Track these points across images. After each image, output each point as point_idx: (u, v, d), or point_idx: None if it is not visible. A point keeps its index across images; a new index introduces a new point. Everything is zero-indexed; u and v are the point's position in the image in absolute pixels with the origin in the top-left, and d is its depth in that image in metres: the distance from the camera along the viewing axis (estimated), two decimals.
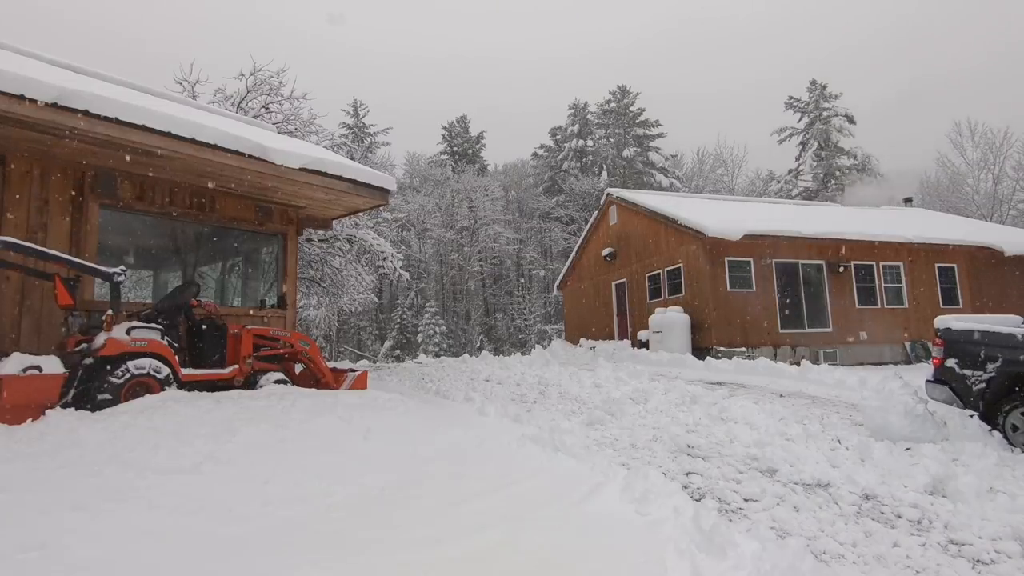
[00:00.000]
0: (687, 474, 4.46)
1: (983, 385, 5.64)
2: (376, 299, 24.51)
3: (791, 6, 76.84)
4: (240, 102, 13.26)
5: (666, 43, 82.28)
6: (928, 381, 6.21)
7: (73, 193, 5.89)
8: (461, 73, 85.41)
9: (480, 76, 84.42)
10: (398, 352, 32.18)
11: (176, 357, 5.18)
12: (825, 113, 40.28)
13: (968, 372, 5.79)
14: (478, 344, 33.74)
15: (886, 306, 15.61)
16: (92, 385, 4.60)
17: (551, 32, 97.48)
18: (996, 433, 5.30)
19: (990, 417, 5.60)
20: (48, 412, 4.07)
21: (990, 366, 5.61)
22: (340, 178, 6.93)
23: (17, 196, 5.52)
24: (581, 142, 42.01)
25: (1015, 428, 5.36)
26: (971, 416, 5.46)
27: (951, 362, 5.99)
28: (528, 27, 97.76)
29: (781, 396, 8.04)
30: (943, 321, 6.27)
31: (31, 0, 58.56)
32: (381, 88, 73.63)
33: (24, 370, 4.26)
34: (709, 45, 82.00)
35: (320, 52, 75.48)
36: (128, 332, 4.91)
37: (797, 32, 76.49)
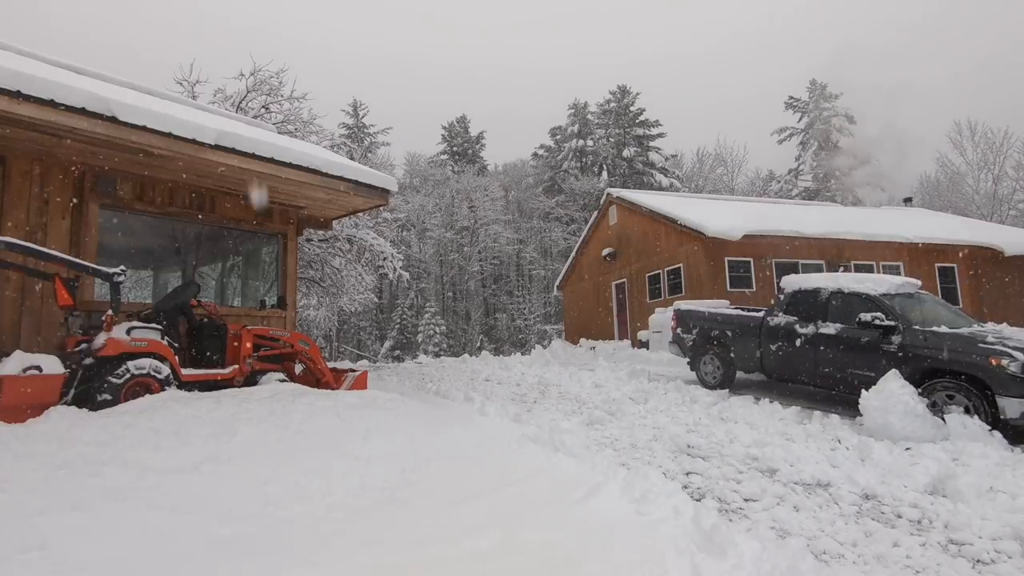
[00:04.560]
0: (687, 474, 4.46)
1: (691, 342, 9.26)
2: (376, 299, 24.51)
3: (793, 14, 76.93)
4: (240, 102, 13.24)
5: (667, 54, 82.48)
6: (669, 342, 9.97)
7: (73, 193, 5.89)
8: (461, 76, 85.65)
9: (480, 79, 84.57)
10: (398, 352, 32.18)
11: (176, 357, 5.18)
12: (825, 113, 40.29)
13: (685, 336, 9.43)
14: (478, 344, 33.73)
15: None
16: (92, 385, 4.60)
17: (552, 41, 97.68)
18: (996, 433, 5.33)
19: (694, 361, 9.22)
20: (48, 412, 4.06)
21: (696, 330, 9.22)
22: (340, 178, 6.92)
23: (17, 196, 5.52)
24: (581, 142, 41.98)
25: (707, 362, 8.99)
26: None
27: (679, 329, 9.57)
28: (529, 35, 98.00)
29: (781, 395, 8.05)
30: (677, 304, 10.12)
31: (31, 2, 58.61)
32: (381, 90, 73.85)
33: (24, 370, 4.26)
34: (709, 56, 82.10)
35: (321, 56, 75.58)
36: (128, 332, 4.91)
37: (799, 40, 76.51)
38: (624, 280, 18.57)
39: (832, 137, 39.71)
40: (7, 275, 5.26)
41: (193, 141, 5.59)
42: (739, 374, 8.78)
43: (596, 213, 21.02)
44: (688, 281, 15.14)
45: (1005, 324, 6.94)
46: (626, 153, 39.71)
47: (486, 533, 2.96)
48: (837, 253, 15.32)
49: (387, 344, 33.18)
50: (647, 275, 17.15)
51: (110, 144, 5.37)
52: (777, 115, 51.93)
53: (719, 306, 9.65)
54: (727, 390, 8.35)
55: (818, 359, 7.32)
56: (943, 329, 6.44)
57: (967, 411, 5.71)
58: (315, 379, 6.48)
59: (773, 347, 7.93)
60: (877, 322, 6.65)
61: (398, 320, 34.41)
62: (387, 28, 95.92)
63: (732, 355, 8.59)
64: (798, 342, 7.58)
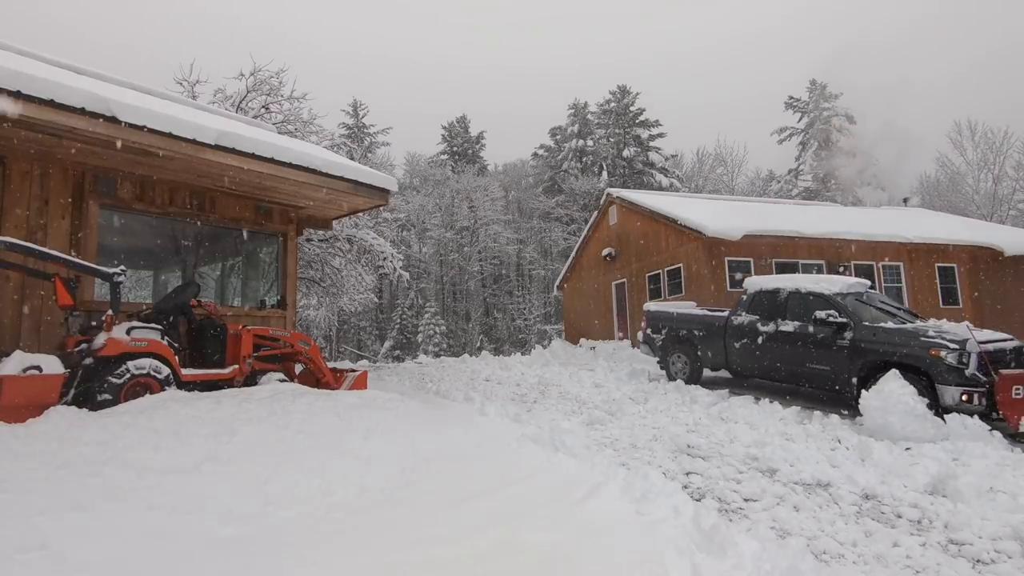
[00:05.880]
0: (687, 474, 4.46)
1: (660, 342, 9.87)
2: (376, 299, 24.48)
3: (793, 14, 76.94)
4: (240, 102, 13.23)
5: (667, 54, 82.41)
6: (640, 342, 10.52)
7: (73, 193, 5.88)
8: (462, 76, 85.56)
9: (480, 79, 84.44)
10: (398, 352, 32.16)
11: (176, 357, 5.18)
12: (825, 113, 40.28)
13: (655, 335, 10.00)
14: (478, 344, 33.72)
15: None
16: (92, 385, 4.60)
17: (552, 41, 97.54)
18: (996, 433, 5.34)
19: (664, 360, 9.83)
20: (48, 412, 4.06)
21: (664, 331, 9.82)
22: (340, 178, 6.92)
23: (17, 196, 5.52)
24: (581, 142, 41.94)
25: (675, 360, 9.60)
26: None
27: (649, 330, 10.17)
28: (530, 35, 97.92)
29: (781, 395, 8.05)
30: (647, 306, 10.77)
31: (31, 2, 58.66)
32: (381, 90, 73.79)
33: (24, 370, 4.26)
34: (709, 56, 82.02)
35: (321, 56, 75.54)
36: (128, 332, 4.91)
37: (799, 40, 76.52)
38: (624, 280, 18.57)
39: (832, 137, 39.68)
40: (7, 275, 5.26)
41: (193, 141, 5.59)
42: (706, 372, 9.38)
43: (596, 213, 21.00)
44: (688, 281, 15.13)
45: (945, 320, 7.49)
46: (626, 153, 39.68)
47: (486, 533, 2.96)
48: (837, 253, 15.31)
49: (387, 344, 33.17)
50: (647, 275, 17.14)
51: (110, 144, 5.36)
52: (777, 115, 51.89)
53: (686, 307, 10.52)
54: (727, 390, 8.37)
55: (778, 355, 7.91)
56: (890, 325, 7.01)
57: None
58: (315, 379, 6.48)
59: (737, 345, 8.51)
60: (831, 319, 7.26)
61: (398, 320, 34.40)
62: (387, 28, 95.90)
63: (699, 353, 9.19)
64: (760, 340, 8.17)
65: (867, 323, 7.07)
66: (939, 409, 5.94)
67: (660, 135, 41.05)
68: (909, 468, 4.42)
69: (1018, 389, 5.66)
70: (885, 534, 3.29)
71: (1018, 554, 3.05)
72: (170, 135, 5.42)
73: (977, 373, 5.95)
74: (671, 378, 9.54)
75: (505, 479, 3.86)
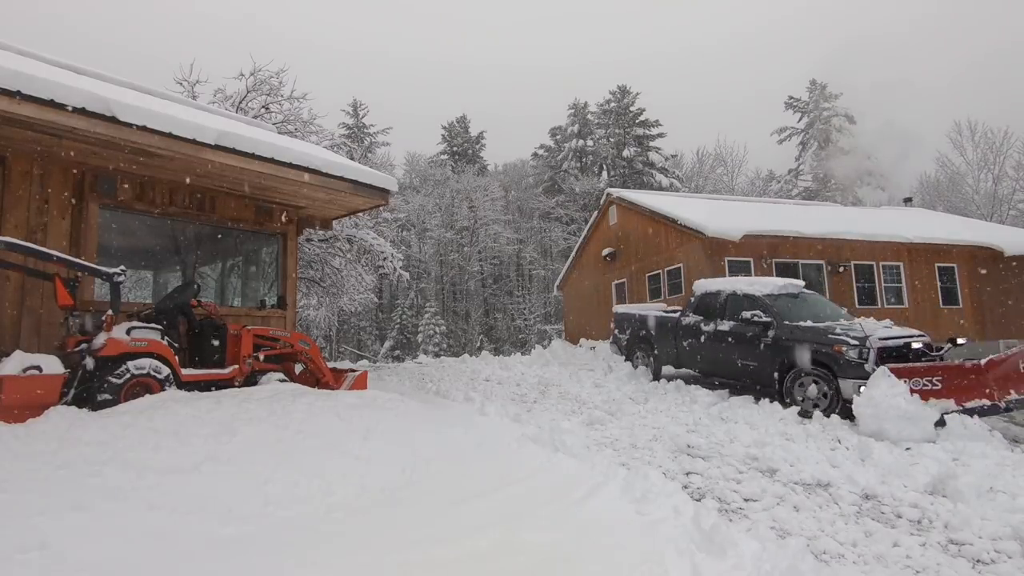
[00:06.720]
0: (687, 474, 4.46)
1: (625, 342, 10.85)
2: (376, 299, 24.48)
3: (793, 14, 76.94)
4: (240, 102, 13.23)
5: (666, 54, 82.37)
6: (610, 342, 11.72)
7: (73, 193, 5.88)
8: (461, 75, 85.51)
9: (480, 79, 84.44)
10: (398, 352, 32.16)
11: (176, 357, 5.18)
12: (825, 113, 40.28)
13: (622, 336, 11.01)
14: (478, 344, 33.72)
15: (886, 306, 15.60)
16: (92, 385, 4.60)
17: (552, 41, 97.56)
18: (997, 433, 5.34)
19: (629, 357, 10.75)
20: (48, 412, 4.06)
21: (628, 331, 10.80)
22: (340, 178, 6.92)
23: (17, 196, 5.52)
24: (581, 142, 41.95)
25: (638, 358, 10.46)
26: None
27: (616, 330, 11.24)
28: (529, 35, 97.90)
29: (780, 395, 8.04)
30: (615, 308, 12.11)
31: (31, 2, 58.69)
32: (381, 90, 73.69)
33: (24, 370, 4.26)
34: (709, 56, 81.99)
35: (321, 56, 75.51)
36: (128, 332, 4.91)
37: (799, 40, 76.46)
38: (624, 280, 18.56)
39: (832, 137, 39.69)
40: (7, 275, 5.25)
41: (193, 141, 5.59)
42: (668, 369, 10.08)
43: (596, 213, 20.99)
44: (688, 281, 15.11)
45: (871, 319, 7.85)
46: (626, 153, 39.68)
47: (486, 533, 2.96)
48: (837, 253, 15.30)
49: (387, 344, 33.17)
50: (647, 275, 17.13)
51: (110, 144, 5.36)
52: (777, 115, 51.86)
53: (652, 308, 11.36)
54: (727, 390, 8.38)
55: (717, 352, 8.60)
56: (807, 323, 7.44)
57: (825, 395, 6.76)
58: (315, 379, 6.48)
59: (686, 343, 9.25)
60: (755, 319, 7.84)
61: (398, 320, 34.39)
62: (387, 28, 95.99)
63: (655, 352, 10.02)
64: (703, 338, 8.86)
65: (788, 322, 7.54)
66: (845, 403, 6.40)
67: (660, 135, 41.06)
68: (909, 468, 4.42)
69: (903, 381, 5.92)
70: (885, 534, 3.29)
71: (1018, 554, 3.05)
72: (170, 135, 5.42)
73: (876, 367, 6.28)
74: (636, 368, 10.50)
75: (505, 479, 3.86)
